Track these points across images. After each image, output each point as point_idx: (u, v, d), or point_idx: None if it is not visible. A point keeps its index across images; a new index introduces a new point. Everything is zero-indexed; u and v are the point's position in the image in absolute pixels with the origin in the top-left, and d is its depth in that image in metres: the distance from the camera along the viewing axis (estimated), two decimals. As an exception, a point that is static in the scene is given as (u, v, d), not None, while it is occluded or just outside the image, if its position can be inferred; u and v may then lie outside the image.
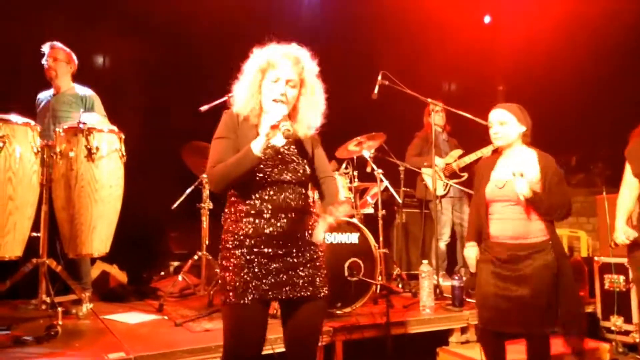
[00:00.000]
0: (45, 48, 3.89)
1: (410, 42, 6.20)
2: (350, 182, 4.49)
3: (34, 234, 3.31)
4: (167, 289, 4.03)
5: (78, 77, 4.03)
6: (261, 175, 2.00)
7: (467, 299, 3.85)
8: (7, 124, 3.06)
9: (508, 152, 2.78)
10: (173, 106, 5.11)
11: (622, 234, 2.99)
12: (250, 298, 1.95)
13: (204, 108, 3.67)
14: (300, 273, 2.02)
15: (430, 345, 3.58)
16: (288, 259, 2.01)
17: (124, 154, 3.47)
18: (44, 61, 3.89)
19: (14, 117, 3.11)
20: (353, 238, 3.62)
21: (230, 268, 1.99)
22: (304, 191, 2.10)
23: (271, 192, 2.01)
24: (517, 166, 2.63)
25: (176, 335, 3.03)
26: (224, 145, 2.04)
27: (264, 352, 2.09)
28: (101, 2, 5.03)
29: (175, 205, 4.30)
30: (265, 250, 1.99)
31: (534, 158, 2.72)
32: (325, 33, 5.99)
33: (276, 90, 2.03)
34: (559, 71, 5.95)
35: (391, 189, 4.78)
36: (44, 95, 4.00)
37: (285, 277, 2.00)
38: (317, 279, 2.05)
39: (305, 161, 2.10)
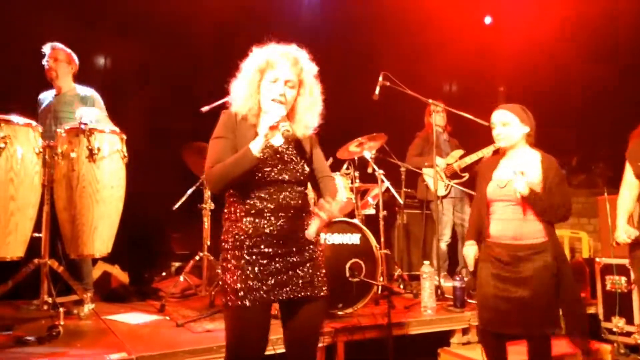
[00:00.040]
0: (46, 49, 3.89)
1: (410, 43, 6.20)
2: (352, 183, 4.49)
3: (36, 235, 3.31)
4: (169, 290, 4.03)
5: (78, 78, 4.02)
6: (260, 175, 2.00)
7: (469, 300, 3.86)
8: (8, 125, 3.06)
9: (511, 153, 2.74)
10: (174, 106, 5.11)
11: (624, 233, 2.98)
12: (251, 300, 1.95)
13: (205, 109, 3.66)
14: (300, 273, 2.02)
15: (432, 346, 3.58)
16: (288, 258, 2.01)
17: (126, 154, 3.47)
18: (44, 62, 3.89)
19: (16, 118, 3.11)
20: (354, 239, 3.63)
21: (231, 270, 1.99)
22: (303, 191, 2.11)
23: (271, 192, 2.01)
24: (519, 167, 2.61)
25: (178, 335, 3.04)
26: (223, 145, 2.04)
27: (266, 353, 2.09)
28: (101, 2, 5.03)
29: (176, 206, 4.31)
30: (266, 250, 1.99)
31: (537, 159, 2.69)
32: (325, 33, 6.00)
33: (275, 91, 2.03)
34: (559, 71, 5.97)
35: (392, 190, 4.78)
36: (45, 96, 4.00)
37: (285, 277, 2.00)
38: (316, 278, 2.05)
39: (303, 161, 2.10)
